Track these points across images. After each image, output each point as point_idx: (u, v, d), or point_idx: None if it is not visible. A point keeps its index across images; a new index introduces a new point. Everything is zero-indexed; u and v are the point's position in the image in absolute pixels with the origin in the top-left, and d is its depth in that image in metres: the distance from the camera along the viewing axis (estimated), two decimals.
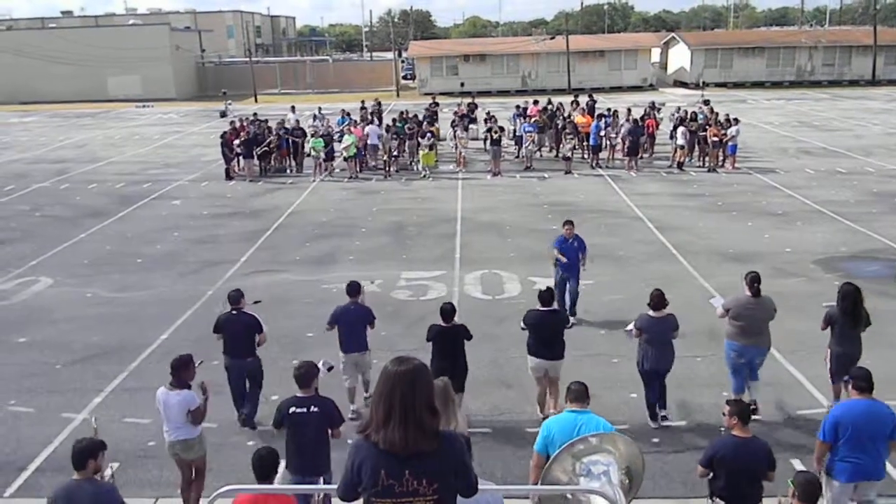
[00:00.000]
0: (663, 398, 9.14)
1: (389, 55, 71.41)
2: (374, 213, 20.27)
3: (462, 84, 52.35)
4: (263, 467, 5.67)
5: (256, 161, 25.76)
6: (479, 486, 3.70)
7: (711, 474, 6.34)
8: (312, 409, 6.89)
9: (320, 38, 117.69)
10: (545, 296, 9.19)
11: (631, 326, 9.21)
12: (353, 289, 9.52)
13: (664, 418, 9.11)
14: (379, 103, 33.18)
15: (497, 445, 8.76)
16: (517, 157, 27.42)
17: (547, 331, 9.11)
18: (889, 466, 7.20)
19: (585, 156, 27.07)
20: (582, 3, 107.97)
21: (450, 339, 8.83)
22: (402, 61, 67.15)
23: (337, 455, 6.80)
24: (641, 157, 25.97)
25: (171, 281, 15.25)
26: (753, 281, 8.98)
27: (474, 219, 19.51)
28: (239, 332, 9.18)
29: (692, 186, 22.93)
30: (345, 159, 25.60)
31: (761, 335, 9.02)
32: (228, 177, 25.50)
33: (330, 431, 6.99)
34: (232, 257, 16.64)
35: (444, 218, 19.67)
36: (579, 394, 6.43)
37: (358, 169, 25.68)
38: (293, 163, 26.76)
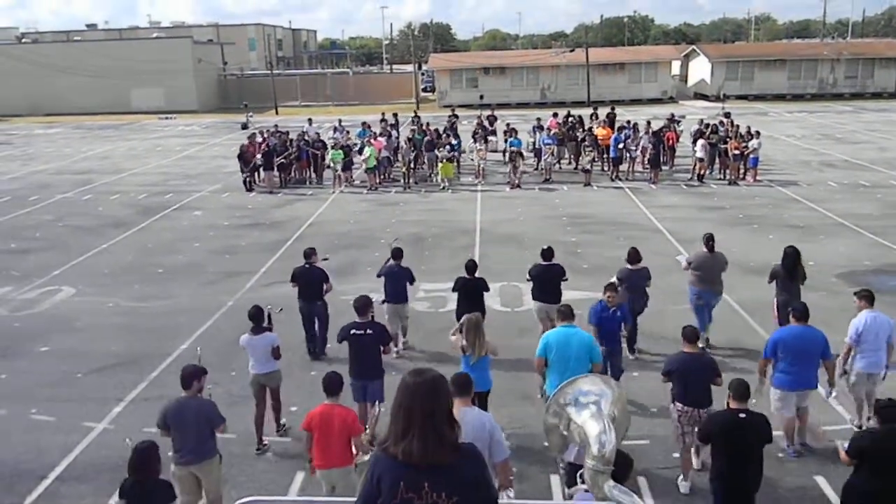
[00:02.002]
0: (635, 339, 11.36)
1: (409, 68, 71.69)
2: (394, 224, 20.29)
3: (481, 96, 52.55)
4: (332, 384, 7.17)
5: (276, 172, 25.94)
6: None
7: (670, 383, 8.09)
8: (368, 331, 8.95)
9: (341, 50, 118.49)
10: (546, 253, 11.43)
11: (614, 279, 10.85)
12: (398, 253, 11.76)
13: (640, 351, 11.44)
14: (395, 116, 33.26)
15: (517, 458, 8.69)
16: (536, 169, 27.39)
17: (547, 281, 11.22)
18: None
19: (605, 168, 27.00)
20: (602, 16, 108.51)
21: (472, 288, 11.02)
22: (422, 74, 67.38)
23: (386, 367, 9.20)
24: (661, 170, 25.86)
25: (192, 291, 15.35)
26: (709, 240, 11.58)
27: (493, 231, 19.48)
28: (311, 281, 11.42)
29: (713, 199, 22.78)
30: (365, 171, 25.73)
31: (715, 282, 11.51)
32: (249, 188, 25.67)
33: (381, 348, 9.03)
34: (252, 268, 16.72)
35: (462, 230, 19.66)
36: (567, 314, 8.52)
37: (378, 180, 25.78)
38: (313, 174, 26.92)
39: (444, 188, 24.97)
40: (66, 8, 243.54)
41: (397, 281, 11.58)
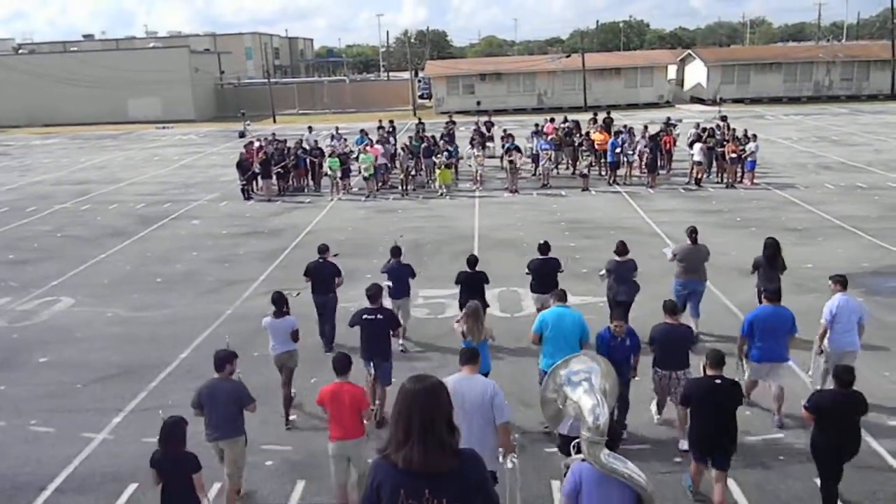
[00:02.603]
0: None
1: (406, 75, 71.84)
2: (392, 231, 20.29)
3: (478, 102, 52.64)
4: (341, 363, 7.76)
5: (275, 181, 25.97)
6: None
7: (651, 349, 9.12)
8: (378, 316, 9.85)
9: (338, 58, 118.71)
10: (543, 247, 12.24)
11: (603, 271, 12.08)
12: (397, 251, 12.53)
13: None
14: (394, 121, 33.33)
15: (517, 465, 8.67)
16: (534, 174, 27.41)
17: (545, 274, 11.92)
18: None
19: (603, 173, 27.04)
20: (597, 22, 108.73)
21: (473, 281, 11.75)
22: (419, 81, 67.54)
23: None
24: (659, 174, 25.90)
25: (190, 300, 15.34)
26: (692, 233, 12.44)
27: (491, 236, 19.48)
28: (324, 275, 12.24)
29: (710, 203, 22.80)
30: (363, 178, 25.76)
31: (698, 272, 12.25)
32: (247, 197, 25.68)
33: (391, 332, 10.01)
34: (250, 276, 16.71)
35: (461, 236, 19.66)
36: (561, 296, 9.54)
37: (376, 188, 25.79)
38: (311, 182, 26.94)
39: (441, 195, 24.98)
40: (63, 19, 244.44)
41: (399, 277, 12.25)
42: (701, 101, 56.78)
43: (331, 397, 7.61)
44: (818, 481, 7.68)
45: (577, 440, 5.70)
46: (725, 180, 25.33)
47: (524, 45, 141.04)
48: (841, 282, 9.83)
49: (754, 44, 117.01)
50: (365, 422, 7.79)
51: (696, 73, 60.58)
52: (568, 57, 59.75)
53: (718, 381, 7.57)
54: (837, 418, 7.28)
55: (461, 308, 10.51)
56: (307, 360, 10.88)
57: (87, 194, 28.12)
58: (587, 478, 5.59)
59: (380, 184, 26.28)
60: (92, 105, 59.35)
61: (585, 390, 5.86)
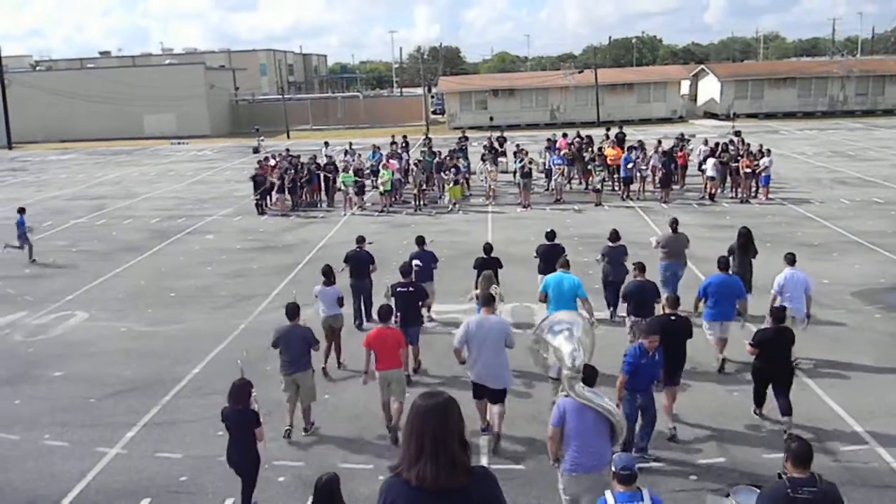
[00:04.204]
0: (616, 304, 13.59)
1: (419, 91, 72.06)
2: (405, 245, 20.28)
3: (491, 118, 52.73)
4: (385, 313, 10.01)
5: (288, 196, 26.09)
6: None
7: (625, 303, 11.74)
8: (410, 288, 11.66)
9: (351, 75, 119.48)
10: (550, 234, 14.48)
11: (599, 256, 14.12)
12: (422, 240, 14.46)
13: (618, 315, 13.49)
14: (407, 136, 33.42)
15: (529, 482, 8.61)
16: (547, 189, 27.40)
17: (552, 258, 12.83)
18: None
19: (616, 188, 26.98)
20: (610, 38, 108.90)
21: (488, 265, 12.94)
22: (432, 96, 67.76)
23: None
24: (672, 189, 25.83)
25: (204, 315, 15.38)
26: (673, 222, 14.60)
27: (504, 251, 19.33)
28: (361, 262, 13.91)
29: (724, 218, 22.67)
30: (381, 193, 25.84)
31: (679, 256, 14.21)
32: (261, 212, 25.82)
33: (420, 303, 11.95)
34: (264, 291, 16.75)
35: (473, 251, 19.44)
36: (564, 264, 11.70)
37: (389, 203, 25.85)
38: (325, 197, 27.04)
39: (451, 210, 25.00)
40: (80, 36, 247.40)
41: (424, 262, 13.75)
42: (714, 116, 56.66)
43: (377, 338, 9.60)
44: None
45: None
46: (740, 195, 25.21)
47: (537, 61, 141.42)
48: (789, 259, 11.86)
49: (768, 59, 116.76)
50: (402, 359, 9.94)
51: (709, 89, 60.50)
52: (581, 72, 59.79)
53: (674, 317, 9.75)
54: (773, 348, 9.42)
55: (476, 287, 12.46)
56: (320, 381, 10.87)
57: (103, 209, 28.35)
58: (569, 408, 7.10)
59: (393, 198, 26.35)
60: (108, 121, 59.94)
61: (566, 337, 7.59)
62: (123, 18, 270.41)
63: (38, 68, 79.80)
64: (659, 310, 10.70)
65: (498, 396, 9.35)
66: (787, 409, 9.39)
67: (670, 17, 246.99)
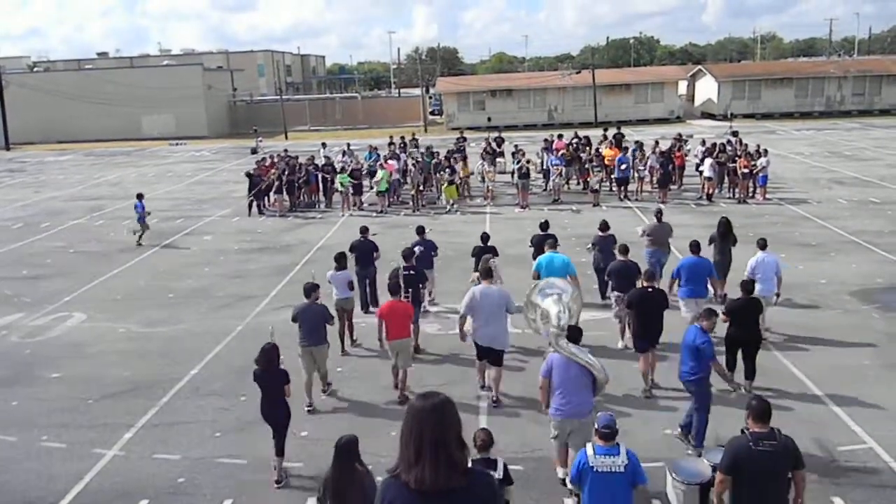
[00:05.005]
0: (606, 287, 14.28)
1: (417, 91, 72.13)
2: (403, 246, 20.25)
3: (489, 119, 52.67)
4: (394, 287, 11.38)
5: (286, 196, 26.08)
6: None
7: (610, 282, 13.13)
8: (412, 271, 12.78)
9: (349, 75, 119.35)
10: (543, 224, 15.14)
11: (590, 244, 15.24)
12: (422, 229, 15.76)
13: (609, 297, 13.98)
14: (406, 137, 33.41)
15: (529, 483, 8.61)
16: (545, 190, 27.40)
17: (544, 246, 13.49)
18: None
19: (613, 188, 27.00)
20: (608, 38, 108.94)
21: (485, 253, 13.80)
22: (430, 97, 67.75)
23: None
24: (670, 189, 25.83)
25: (202, 316, 15.37)
26: (658, 212, 15.91)
27: (502, 252, 19.26)
28: (366, 250, 14.83)
29: None
30: (377, 194, 25.85)
31: (663, 244, 15.31)
32: (252, 212, 25.81)
33: (421, 285, 13.16)
34: (262, 292, 16.74)
35: (471, 259, 19.57)
36: (553, 245, 13.16)
37: (387, 203, 25.85)
38: (322, 198, 27.03)
39: (448, 210, 25.01)
40: (78, 37, 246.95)
41: (425, 249, 14.74)
42: (712, 116, 56.71)
43: (389, 310, 10.87)
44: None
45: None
46: (737, 196, 25.24)
47: (535, 62, 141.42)
48: (761, 244, 13.05)
49: (765, 59, 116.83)
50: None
51: (706, 89, 60.55)
52: (578, 73, 59.83)
53: (650, 289, 11.02)
54: (743, 316, 10.58)
55: (476, 270, 13.20)
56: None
57: (101, 210, 28.32)
58: (556, 361, 8.27)
59: (392, 199, 26.35)
60: (106, 122, 59.86)
61: (554, 300, 8.94)
62: (121, 19, 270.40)
63: (35, 69, 79.63)
64: (639, 285, 11.66)
65: (497, 359, 10.66)
66: (750, 374, 10.64)
67: (668, 18, 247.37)
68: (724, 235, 14.73)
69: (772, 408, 6.37)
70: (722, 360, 10.02)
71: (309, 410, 10.59)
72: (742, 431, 6.45)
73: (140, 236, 22.19)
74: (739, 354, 10.72)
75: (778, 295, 12.64)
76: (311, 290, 11.03)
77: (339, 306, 12.75)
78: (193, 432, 10.17)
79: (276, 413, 8.89)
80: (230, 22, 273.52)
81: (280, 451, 8.89)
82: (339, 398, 11.14)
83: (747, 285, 10.93)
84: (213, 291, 17.16)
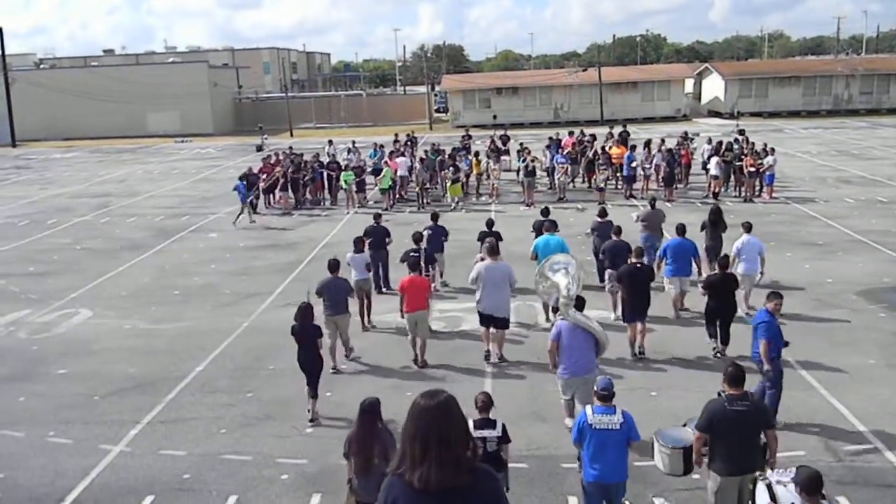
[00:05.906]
0: (603, 272, 14.83)
1: (422, 89, 72.08)
2: (407, 244, 20.26)
3: (494, 116, 52.62)
4: (413, 263, 12.89)
5: (291, 193, 26.10)
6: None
7: (604, 259, 14.16)
8: (427, 228, 15.05)
9: (354, 73, 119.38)
10: (545, 211, 16.16)
11: (589, 230, 15.98)
12: (436, 216, 16.84)
13: (606, 281, 14.47)
14: (412, 135, 33.43)
15: (533, 481, 8.62)
16: (550, 187, 27.37)
17: (542, 229, 14.53)
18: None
19: (619, 186, 26.94)
20: (614, 36, 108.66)
21: (490, 237, 14.21)
22: (435, 95, 67.70)
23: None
24: (676, 188, 25.78)
25: (208, 313, 15.40)
26: (652, 199, 17.48)
27: (508, 249, 19.27)
28: (379, 235, 15.88)
29: (728, 217, 22.30)
30: (381, 191, 25.86)
31: (656, 230, 16.23)
32: (255, 210, 25.72)
33: (428, 266, 13.93)
34: (267, 289, 16.76)
35: (476, 249, 19.53)
36: (550, 227, 14.28)
37: (392, 201, 25.86)
38: (328, 195, 27.05)
39: (453, 208, 24.99)
40: (84, 34, 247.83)
41: (435, 234, 15.77)
42: (718, 114, 56.54)
43: (409, 284, 11.91)
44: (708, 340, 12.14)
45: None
46: (744, 194, 25.17)
47: (541, 59, 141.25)
48: (746, 227, 14.05)
49: (772, 57, 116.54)
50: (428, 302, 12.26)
51: (713, 87, 60.38)
52: (584, 71, 59.69)
53: (639, 265, 12.16)
54: (720, 289, 11.67)
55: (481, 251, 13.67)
56: (325, 379, 10.85)
57: (107, 207, 28.38)
58: (564, 327, 9.38)
59: (397, 196, 26.36)
60: (111, 119, 59.92)
61: (563, 274, 9.78)
62: (127, 16, 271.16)
63: (42, 66, 79.91)
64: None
65: (500, 324, 11.90)
66: (725, 340, 11.86)
67: (675, 16, 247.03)
68: (715, 223, 15.76)
69: (745, 372, 7.15)
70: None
71: (333, 372, 11.63)
72: (719, 394, 7.26)
73: (238, 215, 23.79)
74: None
75: (762, 273, 13.72)
76: (335, 265, 12.33)
77: (358, 286, 13.55)
78: (199, 429, 10.20)
79: (312, 362, 10.23)
80: (236, 19, 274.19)
81: (314, 394, 10.23)
82: (361, 363, 12.30)
83: (722, 261, 12.01)
84: (218, 288, 17.19)
